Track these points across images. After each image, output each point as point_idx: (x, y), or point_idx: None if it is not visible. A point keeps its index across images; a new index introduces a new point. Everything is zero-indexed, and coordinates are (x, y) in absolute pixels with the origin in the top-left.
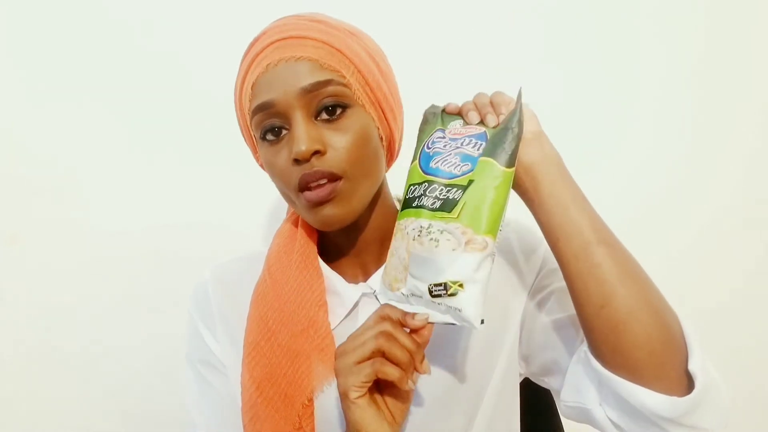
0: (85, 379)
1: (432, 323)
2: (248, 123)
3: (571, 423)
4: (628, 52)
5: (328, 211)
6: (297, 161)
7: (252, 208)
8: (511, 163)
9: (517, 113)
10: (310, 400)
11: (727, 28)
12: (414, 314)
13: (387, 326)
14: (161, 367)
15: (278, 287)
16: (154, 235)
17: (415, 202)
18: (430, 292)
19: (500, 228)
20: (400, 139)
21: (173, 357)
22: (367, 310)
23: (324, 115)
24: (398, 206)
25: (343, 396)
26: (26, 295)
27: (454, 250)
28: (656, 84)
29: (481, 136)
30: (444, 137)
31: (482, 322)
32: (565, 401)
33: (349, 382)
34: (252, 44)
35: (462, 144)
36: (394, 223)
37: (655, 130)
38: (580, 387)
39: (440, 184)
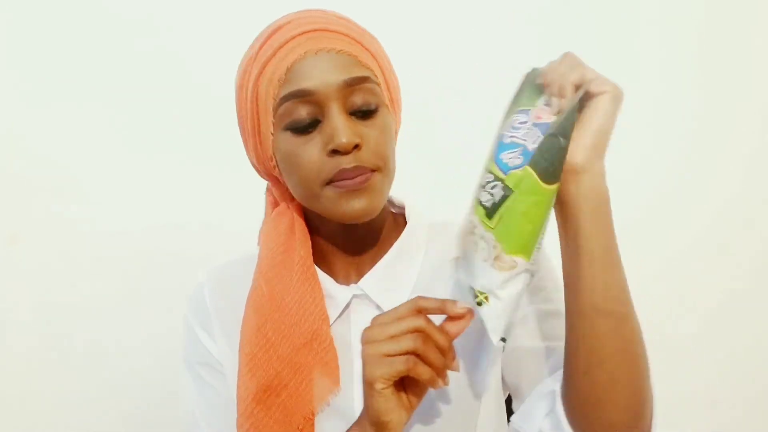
0: (84, 378)
1: (472, 315)
2: (268, 109)
3: None
4: (628, 52)
5: (360, 202)
6: (336, 152)
7: (253, 208)
8: (552, 178)
9: (571, 118)
10: (314, 414)
11: (727, 27)
12: (455, 302)
13: (422, 324)
14: (161, 366)
15: (277, 298)
16: (153, 235)
17: (477, 192)
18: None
19: (538, 246)
20: None
21: (173, 356)
22: (358, 312)
23: (358, 112)
24: (391, 208)
25: (368, 385)
26: (26, 295)
27: (485, 260)
28: (657, 83)
29: (545, 127)
30: (526, 122)
31: (503, 340)
32: (513, 424)
33: (377, 373)
34: (274, 32)
35: (531, 136)
36: (388, 223)
37: (655, 130)
38: (532, 420)
39: (496, 177)
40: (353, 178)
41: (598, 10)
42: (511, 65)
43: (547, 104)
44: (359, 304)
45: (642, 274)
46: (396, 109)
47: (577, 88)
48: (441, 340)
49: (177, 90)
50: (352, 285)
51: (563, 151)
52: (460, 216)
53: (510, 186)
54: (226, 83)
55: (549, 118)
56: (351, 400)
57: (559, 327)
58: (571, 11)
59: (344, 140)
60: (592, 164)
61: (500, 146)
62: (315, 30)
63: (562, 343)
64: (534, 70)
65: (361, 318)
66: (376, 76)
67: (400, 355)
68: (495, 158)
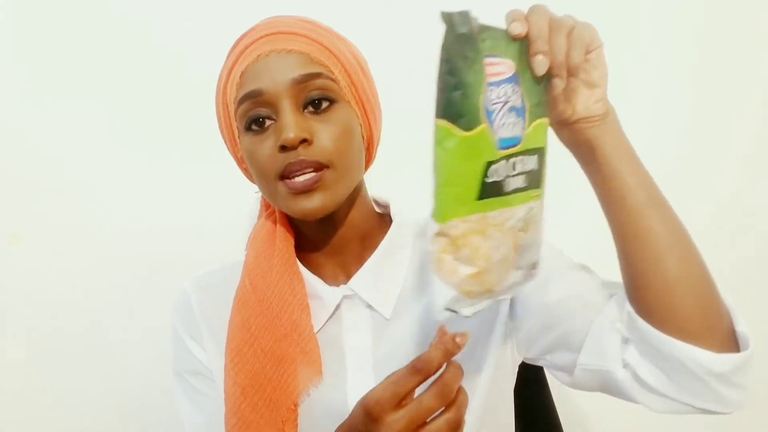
0: (84, 378)
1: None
2: (232, 113)
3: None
4: (626, 51)
5: (310, 200)
6: (284, 148)
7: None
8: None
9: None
10: (296, 405)
11: (724, 25)
12: (453, 337)
13: (453, 416)
14: (163, 366)
15: (259, 292)
16: (155, 236)
17: (506, 188)
18: (533, 266)
19: None
20: (377, 144)
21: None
22: (349, 313)
23: (311, 108)
24: (377, 208)
25: None
26: (25, 295)
27: (543, 221)
28: (653, 82)
29: (513, 79)
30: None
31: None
32: (583, 365)
33: None
34: (240, 39)
35: (507, 94)
36: (372, 222)
37: (653, 129)
38: (605, 350)
39: (517, 154)
40: (299, 172)
41: (594, 8)
42: None
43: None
44: (350, 304)
45: None
46: (366, 109)
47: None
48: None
49: (178, 91)
50: (342, 286)
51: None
52: None
53: (537, 148)
54: None
55: (505, 66)
56: (344, 397)
57: (584, 275)
58: (568, 11)
59: (291, 135)
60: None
61: (496, 124)
62: (271, 34)
63: (595, 283)
64: (462, 16)
65: (352, 317)
66: (332, 72)
67: None
68: (501, 144)
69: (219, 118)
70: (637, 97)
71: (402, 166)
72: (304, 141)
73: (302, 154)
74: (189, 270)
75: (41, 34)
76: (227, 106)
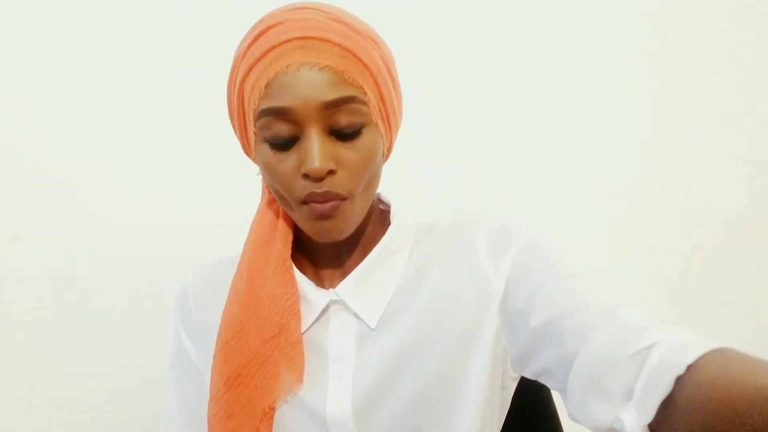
0: (86, 379)
1: None
2: (250, 118)
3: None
4: (596, 52)
5: (330, 224)
6: (307, 176)
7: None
8: None
9: None
10: (272, 408)
11: (683, 29)
12: None
13: None
14: (165, 366)
15: (254, 289)
16: (158, 235)
17: None
18: None
19: None
20: (391, 150)
21: None
22: (337, 317)
23: (339, 133)
24: (380, 206)
25: None
26: (27, 294)
27: None
28: (616, 84)
29: None
30: None
31: None
32: (573, 394)
33: None
34: (264, 32)
35: None
36: (376, 224)
37: (618, 130)
38: (593, 398)
39: None
40: (323, 203)
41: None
42: (489, 66)
43: None
44: (338, 310)
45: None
46: (391, 123)
47: None
48: None
49: (181, 90)
50: (330, 290)
51: None
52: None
53: None
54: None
55: None
56: (323, 402)
57: (578, 285)
58: (550, 11)
59: (317, 165)
60: None
61: None
62: (304, 38)
63: (587, 291)
64: None
65: (339, 324)
66: (365, 93)
67: None
68: None
69: (231, 108)
70: (601, 107)
71: (402, 166)
72: (330, 172)
73: (326, 185)
74: (191, 270)
75: (42, 29)
76: (244, 105)
